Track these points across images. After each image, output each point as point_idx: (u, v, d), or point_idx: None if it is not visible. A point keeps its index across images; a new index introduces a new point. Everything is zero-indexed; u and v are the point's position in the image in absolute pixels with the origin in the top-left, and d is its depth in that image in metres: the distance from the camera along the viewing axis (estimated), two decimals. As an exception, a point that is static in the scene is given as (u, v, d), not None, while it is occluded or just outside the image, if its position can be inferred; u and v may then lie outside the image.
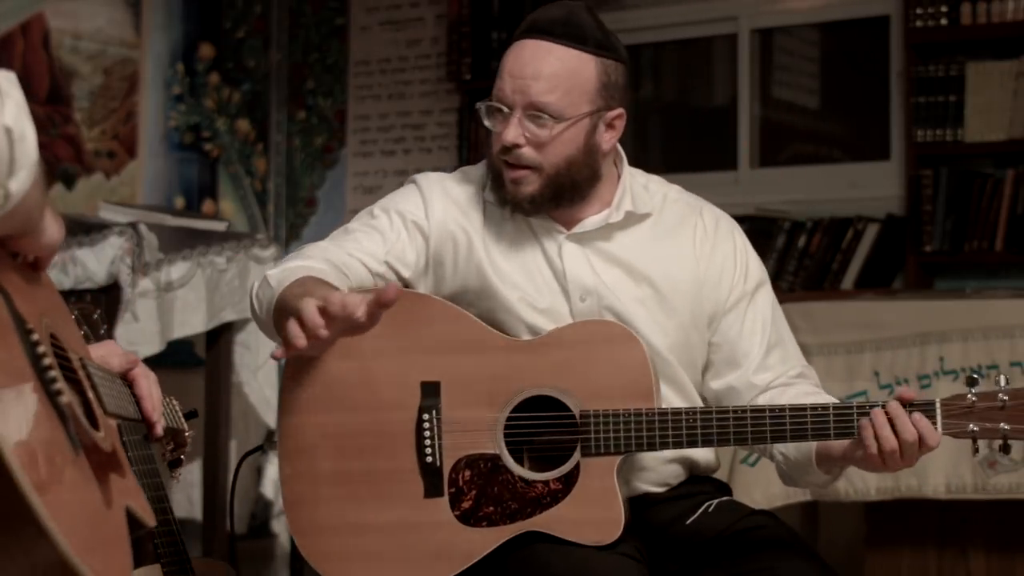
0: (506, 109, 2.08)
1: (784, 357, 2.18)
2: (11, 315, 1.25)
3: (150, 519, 1.45)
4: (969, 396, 1.93)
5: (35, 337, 1.28)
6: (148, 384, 1.75)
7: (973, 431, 1.93)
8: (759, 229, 4.54)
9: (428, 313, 2.11)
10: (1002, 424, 1.91)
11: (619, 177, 2.19)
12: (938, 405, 1.94)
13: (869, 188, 4.65)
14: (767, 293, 2.21)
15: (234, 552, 4.13)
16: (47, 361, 1.27)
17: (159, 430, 1.76)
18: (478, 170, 2.23)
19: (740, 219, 2.32)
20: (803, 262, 4.60)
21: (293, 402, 2.13)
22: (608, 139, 2.12)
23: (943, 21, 4.36)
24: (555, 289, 2.13)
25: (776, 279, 4.62)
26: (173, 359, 3.99)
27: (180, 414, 1.94)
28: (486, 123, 2.13)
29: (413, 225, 2.16)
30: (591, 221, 2.15)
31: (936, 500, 3.17)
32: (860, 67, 4.96)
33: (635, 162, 2.28)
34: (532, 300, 2.13)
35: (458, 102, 5.27)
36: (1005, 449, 1.94)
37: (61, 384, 1.28)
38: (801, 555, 2.04)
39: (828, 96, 5.21)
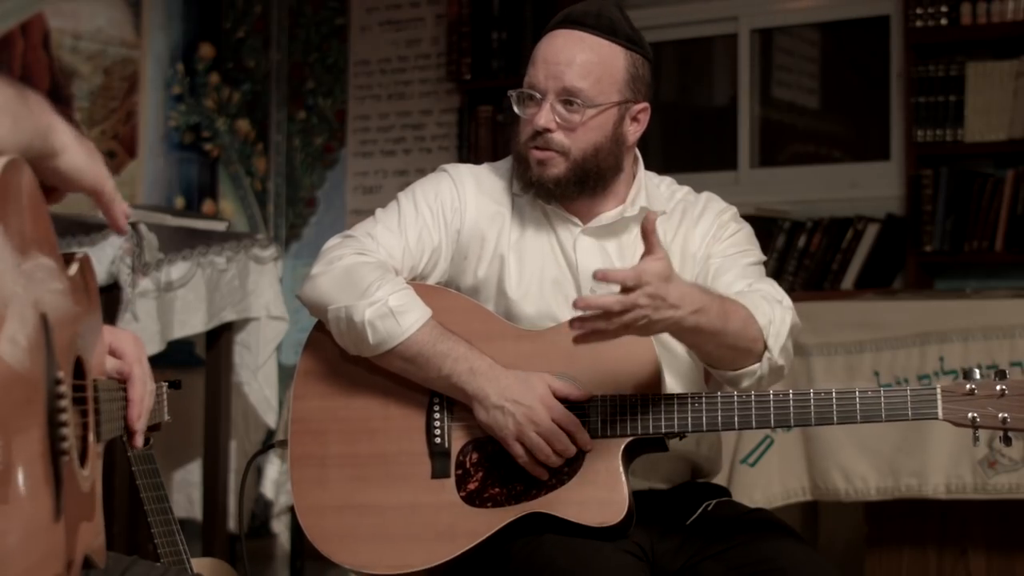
0: (538, 95, 2.14)
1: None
2: (45, 365, 1.23)
3: (101, 562, 1.44)
4: (968, 385, 1.95)
5: (60, 390, 1.26)
6: (141, 390, 1.74)
7: (973, 419, 1.95)
8: (759, 229, 4.50)
9: (442, 303, 2.14)
10: (1001, 413, 1.94)
11: (635, 176, 2.24)
12: (939, 390, 1.96)
13: (869, 188, 4.65)
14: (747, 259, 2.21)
15: (234, 552, 4.13)
16: (64, 432, 1.26)
17: (138, 441, 1.75)
18: (505, 164, 2.28)
19: (740, 219, 2.33)
20: (803, 262, 4.60)
21: (306, 386, 2.18)
22: (633, 132, 2.19)
23: (943, 21, 4.36)
24: (568, 282, 2.18)
25: (776, 279, 4.61)
26: (173, 359, 3.99)
27: (165, 405, 1.94)
28: (516, 110, 2.19)
29: (448, 218, 2.21)
30: (607, 216, 2.20)
31: (936, 500, 3.17)
32: (860, 67, 4.96)
33: (635, 162, 2.30)
34: (546, 304, 2.17)
35: (458, 102, 5.27)
36: (1006, 440, 1.96)
37: (70, 458, 1.27)
38: (800, 548, 2.05)
39: (828, 96, 5.21)
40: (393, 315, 2.06)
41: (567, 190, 2.16)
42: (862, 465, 3.20)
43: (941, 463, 3.12)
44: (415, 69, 5.45)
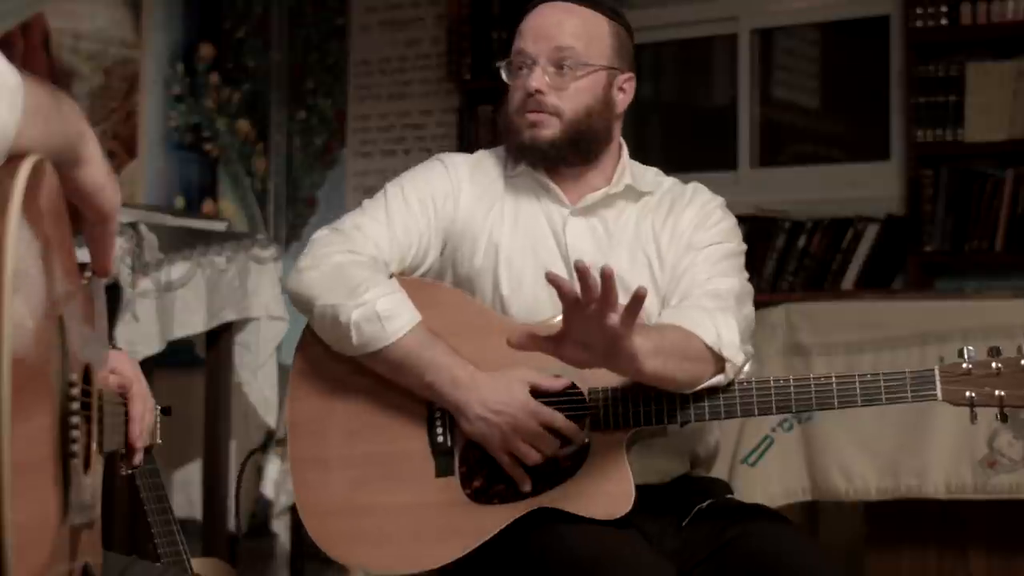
0: (528, 62, 2.17)
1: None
2: (60, 366, 1.24)
3: (99, 573, 1.44)
4: (965, 364, 2.00)
5: (74, 392, 1.27)
6: (142, 407, 1.74)
7: (971, 398, 2.00)
8: (759, 229, 4.54)
9: (437, 298, 2.14)
10: (997, 391, 1.99)
11: (620, 156, 2.26)
12: (936, 371, 2.00)
13: (869, 188, 4.65)
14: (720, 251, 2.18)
15: (234, 552, 4.14)
16: (75, 433, 1.26)
17: (137, 459, 1.75)
18: (498, 152, 2.29)
19: (740, 219, 2.34)
20: (803, 262, 4.60)
21: (303, 387, 2.15)
22: (621, 101, 2.23)
23: (943, 21, 4.36)
24: (560, 265, 2.16)
25: (776, 279, 4.62)
26: (173, 359, 3.99)
27: (158, 430, 1.94)
28: (506, 79, 2.21)
29: (439, 206, 2.22)
30: (592, 196, 2.21)
31: (936, 500, 3.16)
32: (860, 67, 4.96)
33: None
34: (539, 295, 2.14)
35: (458, 102, 5.27)
36: (1003, 418, 2.01)
37: (78, 462, 1.28)
38: (802, 541, 2.04)
39: (828, 96, 5.21)
40: (380, 319, 2.04)
41: (562, 152, 2.17)
42: (862, 465, 3.20)
43: (941, 463, 3.11)
44: (415, 69, 5.45)
